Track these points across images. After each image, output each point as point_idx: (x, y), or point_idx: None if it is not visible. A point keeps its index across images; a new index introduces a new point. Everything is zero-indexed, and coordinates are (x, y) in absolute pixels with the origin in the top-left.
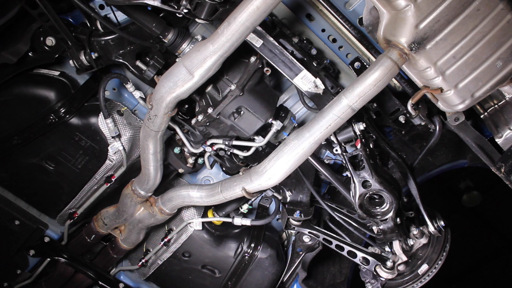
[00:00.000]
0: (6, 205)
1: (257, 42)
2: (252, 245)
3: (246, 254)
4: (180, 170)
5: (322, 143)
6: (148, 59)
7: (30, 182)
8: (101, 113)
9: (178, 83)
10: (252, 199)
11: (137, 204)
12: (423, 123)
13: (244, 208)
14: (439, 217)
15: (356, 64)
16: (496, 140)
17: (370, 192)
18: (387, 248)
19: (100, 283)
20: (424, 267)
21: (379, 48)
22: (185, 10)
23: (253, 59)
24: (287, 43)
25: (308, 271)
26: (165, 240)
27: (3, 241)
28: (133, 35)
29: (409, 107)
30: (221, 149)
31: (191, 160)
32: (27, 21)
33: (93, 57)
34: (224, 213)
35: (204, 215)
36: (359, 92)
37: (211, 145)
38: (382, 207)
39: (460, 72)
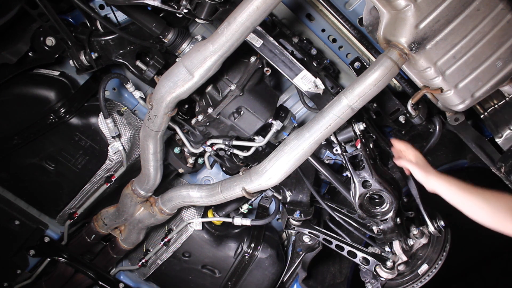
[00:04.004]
0: (6, 205)
1: (257, 42)
2: (252, 245)
3: (246, 254)
4: (180, 170)
5: (322, 143)
6: (148, 59)
7: (30, 182)
8: (101, 113)
9: (178, 83)
10: (252, 199)
11: (137, 204)
12: (423, 123)
13: (244, 208)
14: (439, 217)
15: (356, 64)
16: (496, 140)
17: (370, 192)
18: (387, 248)
19: (100, 283)
20: (424, 267)
21: (379, 48)
22: (185, 10)
23: (253, 59)
24: (287, 43)
25: (308, 271)
26: (165, 240)
27: (3, 241)
28: (133, 35)
29: (409, 107)
30: (221, 149)
31: (191, 160)
32: (27, 21)
33: (93, 57)
34: (224, 213)
35: (204, 215)
36: (359, 92)
37: (211, 145)
38: (382, 207)
39: (460, 72)
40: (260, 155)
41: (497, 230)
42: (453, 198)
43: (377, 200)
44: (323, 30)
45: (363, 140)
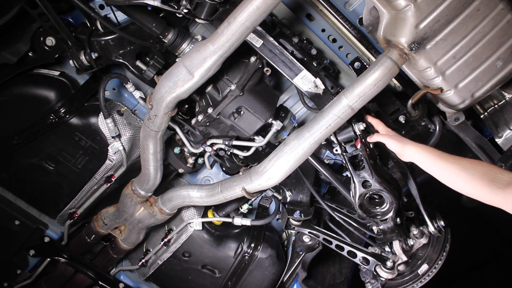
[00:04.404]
0: (6, 205)
1: (257, 42)
2: (252, 245)
3: (246, 254)
4: (180, 170)
5: (322, 143)
6: (148, 59)
7: (30, 182)
8: (101, 113)
9: (178, 83)
10: (252, 199)
11: (137, 204)
12: (423, 123)
13: (244, 208)
14: (439, 217)
15: (356, 64)
16: (496, 140)
17: (370, 192)
18: (387, 248)
19: (100, 283)
20: (424, 267)
21: (379, 48)
22: (185, 10)
23: (253, 59)
24: (287, 43)
25: (308, 271)
26: (165, 240)
27: (3, 241)
28: (133, 35)
29: (409, 107)
30: (221, 149)
31: (191, 160)
32: (27, 21)
33: (93, 57)
34: (224, 213)
35: (204, 215)
36: (359, 92)
37: (211, 145)
38: (382, 207)
39: (460, 72)
40: (260, 155)
41: (473, 197)
42: (430, 166)
43: (377, 200)
44: (323, 30)
45: (363, 140)
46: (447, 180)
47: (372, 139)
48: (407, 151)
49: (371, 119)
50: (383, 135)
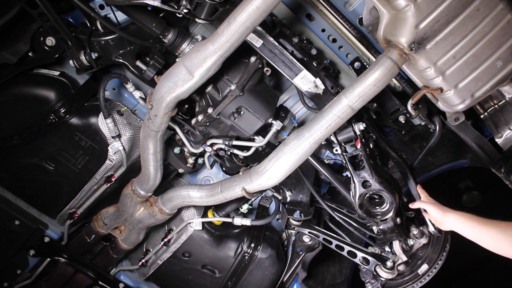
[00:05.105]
0: (6, 205)
1: (257, 42)
2: (252, 245)
3: (246, 254)
4: (180, 170)
5: (322, 143)
6: (148, 59)
7: (30, 182)
8: (101, 113)
9: (178, 83)
10: (252, 199)
11: (137, 204)
12: (423, 123)
13: (244, 208)
14: None
15: (356, 64)
16: (496, 140)
17: (370, 192)
18: (387, 248)
19: (100, 283)
20: (424, 267)
21: (379, 48)
22: (185, 10)
23: (253, 59)
24: (287, 43)
25: (308, 271)
26: (165, 240)
27: (3, 241)
28: (133, 35)
29: (409, 107)
30: (221, 149)
31: (191, 160)
32: (27, 21)
33: (93, 57)
34: (224, 213)
35: (204, 215)
36: (359, 92)
37: (211, 145)
38: (382, 207)
39: (460, 72)
40: (260, 155)
41: None
42: (471, 232)
43: (377, 200)
44: (323, 30)
45: (363, 140)
46: (489, 245)
47: (415, 205)
48: (448, 219)
49: (420, 189)
50: (426, 203)
